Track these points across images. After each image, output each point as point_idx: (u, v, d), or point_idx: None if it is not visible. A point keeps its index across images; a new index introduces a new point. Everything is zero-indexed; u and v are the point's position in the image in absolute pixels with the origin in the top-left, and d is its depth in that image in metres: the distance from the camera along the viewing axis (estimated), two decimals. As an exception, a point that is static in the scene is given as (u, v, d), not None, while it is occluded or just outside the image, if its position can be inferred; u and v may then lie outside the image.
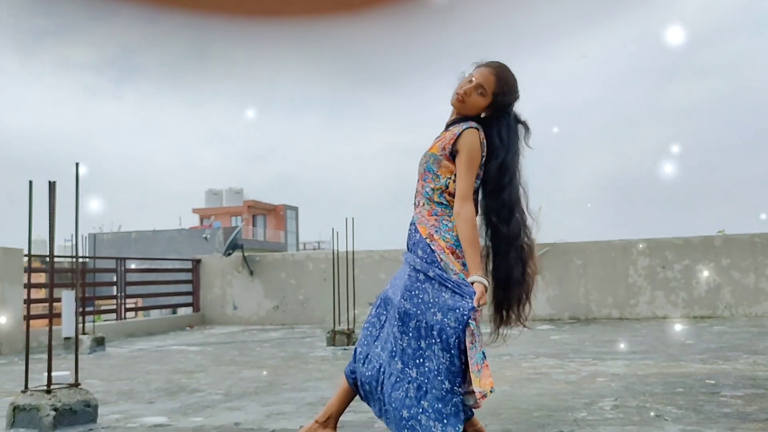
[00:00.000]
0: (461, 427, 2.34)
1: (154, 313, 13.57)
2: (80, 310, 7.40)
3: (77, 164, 3.40)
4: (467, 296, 2.37)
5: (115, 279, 9.57)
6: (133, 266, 10.66)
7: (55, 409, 3.13)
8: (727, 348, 5.62)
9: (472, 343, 2.31)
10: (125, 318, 9.65)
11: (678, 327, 7.74)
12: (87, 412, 3.25)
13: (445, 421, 2.31)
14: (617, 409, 3.32)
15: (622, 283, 9.28)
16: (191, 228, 43.13)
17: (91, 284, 8.25)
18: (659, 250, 9.20)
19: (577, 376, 4.40)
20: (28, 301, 3.56)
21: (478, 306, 2.34)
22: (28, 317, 3.48)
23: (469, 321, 2.33)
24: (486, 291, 2.41)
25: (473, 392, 2.33)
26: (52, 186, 3.28)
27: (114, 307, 9.69)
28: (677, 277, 9.09)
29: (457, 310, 2.37)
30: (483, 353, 2.35)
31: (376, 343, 2.62)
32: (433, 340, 2.40)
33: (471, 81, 2.66)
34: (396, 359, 2.47)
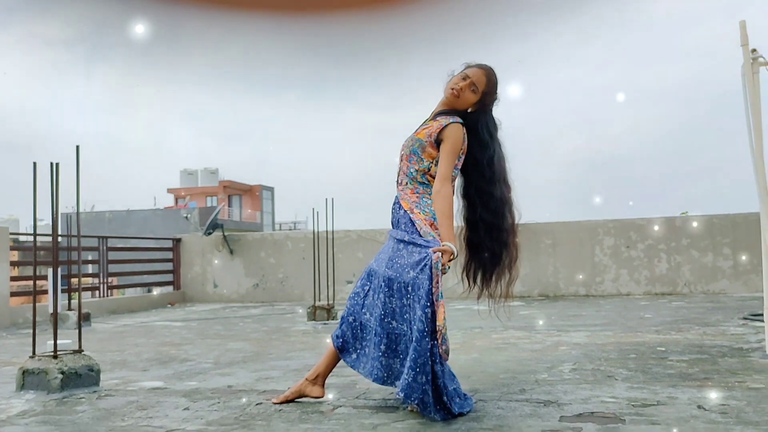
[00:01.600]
0: (439, 368, 2.65)
1: (132, 291, 13.75)
2: (66, 287, 7.60)
3: (77, 147, 3.62)
4: (431, 248, 2.72)
5: (97, 257, 9.75)
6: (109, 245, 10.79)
7: (62, 373, 3.40)
8: (681, 321, 6.03)
9: (437, 282, 2.64)
10: (108, 296, 9.85)
11: (639, 303, 8.19)
12: (91, 375, 3.52)
13: (418, 369, 2.63)
14: (575, 372, 3.68)
15: (588, 262, 9.70)
16: (166, 208, 42.98)
17: (76, 262, 8.43)
18: (624, 231, 9.63)
19: (542, 345, 4.76)
20: (34, 278, 3.79)
21: (437, 256, 2.66)
22: (35, 293, 3.72)
23: (425, 263, 2.67)
24: (453, 255, 2.73)
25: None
26: (55, 167, 3.51)
27: (92, 285, 9.90)
28: (640, 256, 9.53)
29: (421, 261, 2.71)
30: (441, 294, 2.68)
31: (363, 310, 2.95)
32: (410, 296, 2.73)
33: (465, 79, 3.01)
34: (388, 320, 2.81)
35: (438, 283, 2.65)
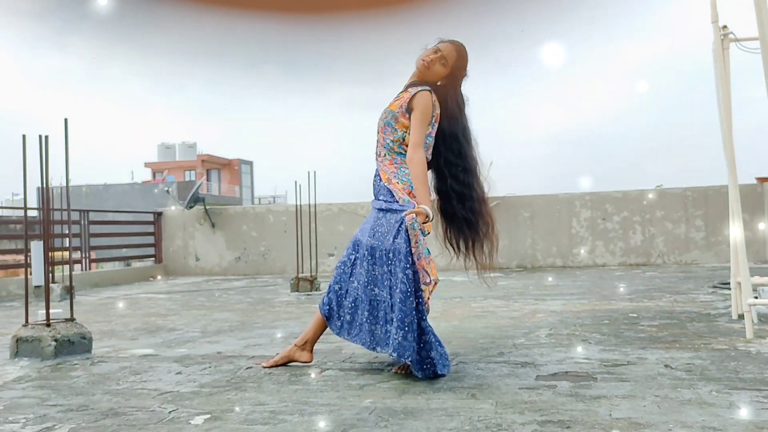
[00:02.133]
0: (426, 324, 2.81)
1: (110, 266, 13.75)
2: (50, 259, 7.63)
3: (66, 120, 3.68)
4: (405, 210, 2.88)
5: (78, 231, 9.75)
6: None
7: (56, 340, 3.49)
8: (653, 290, 6.25)
9: (416, 242, 2.79)
10: (90, 269, 9.89)
11: (614, 273, 8.41)
12: (83, 343, 3.62)
13: (406, 328, 2.76)
14: (550, 336, 3.85)
15: (565, 234, 9.91)
16: (144, 182, 42.67)
17: (59, 235, 8.46)
18: (600, 203, 9.84)
19: (520, 313, 4.93)
20: (25, 251, 3.85)
21: (411, 217, 2.81)
22: (26, 265, 3.79)
23: (400, 227, 2.83)
24: (429, 218, 2.86)
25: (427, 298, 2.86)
26: (45, 140, 3.57)
27: (73, 259, 9.91)
28: (616, 228, 9.76)
29: (399, 226, 2.85)
30: (428, 250, 2.84)
31: (351, 278, 3.07)
32: (391, 262, 2.87)
33: (436, 52, 3.12)
34: (371, 287, 2.94)
35: (416, 243, 2.80)
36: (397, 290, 2.80)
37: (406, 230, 2.81)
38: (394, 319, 2.79)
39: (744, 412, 2.22)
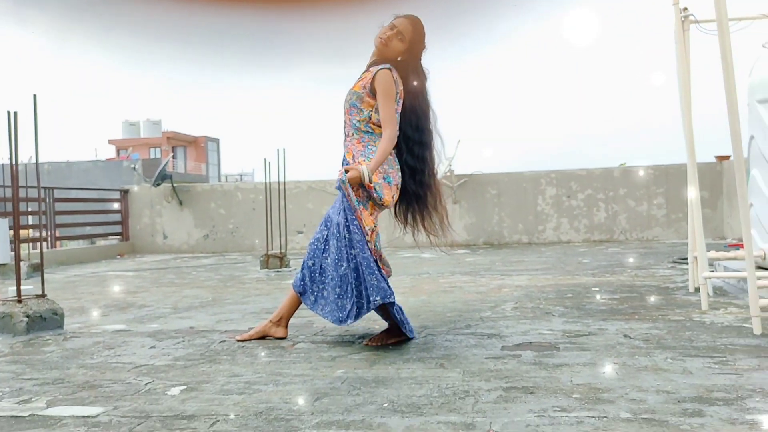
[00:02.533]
0: (386, 286, 2.97)
1: (75, 244, 13.60)
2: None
3: (35, 96, 3.65)
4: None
5: (44, 208, 9.62)
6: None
7: (27, 316, 3.50)
8: (615, 265, 6.44)
9: (348, 195, 2.98)
10: (55, 247, 9.78)
11: (578, 249, 8.62)
12: (55, 319, 3.64)
13: (376, 272, 2.92)
14: (516, 310, 3.97)
15: (531, 211, 10.09)
16: (108, 160, 41.92)
17: (25, 213, 8.36)
18: (565, 181, 10.03)
19: (486, 288, 5.06)
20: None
21: (341, 172, 3.03)
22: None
23: (341, 183, 3.03)
24: (362, 176, 2.98)
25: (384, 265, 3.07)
26: (14, 115, 3.54)
27: (34, 236, 9.79)
28: (580, 205, 9.97)
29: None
30: (357, 201, 3.01)
31: (325, 254, 3.14)
32: (348, 235, 2.99)
33: (393, 29, 3.18)
34: (340, 263, 3.02)
35: (349, 195, 2.99)
36: (354, 247, 2.96)
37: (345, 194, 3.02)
38: (363, 269, 2.93)
39: (696, 377, 2.35)
